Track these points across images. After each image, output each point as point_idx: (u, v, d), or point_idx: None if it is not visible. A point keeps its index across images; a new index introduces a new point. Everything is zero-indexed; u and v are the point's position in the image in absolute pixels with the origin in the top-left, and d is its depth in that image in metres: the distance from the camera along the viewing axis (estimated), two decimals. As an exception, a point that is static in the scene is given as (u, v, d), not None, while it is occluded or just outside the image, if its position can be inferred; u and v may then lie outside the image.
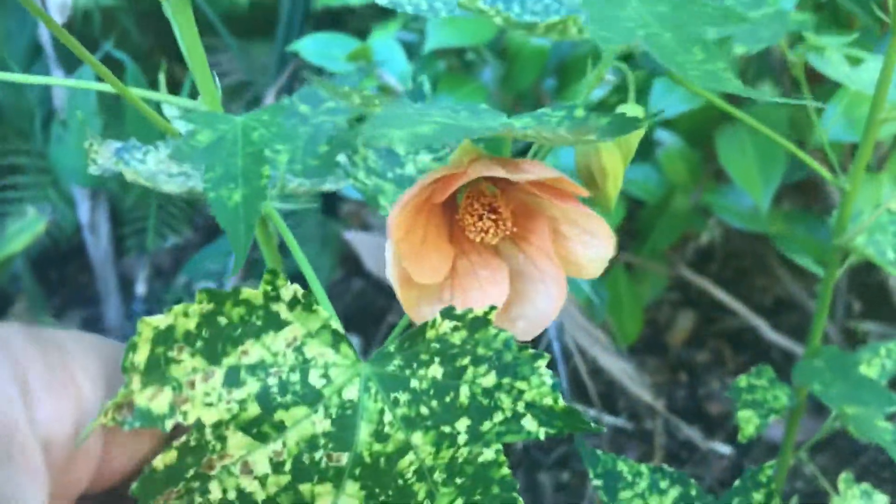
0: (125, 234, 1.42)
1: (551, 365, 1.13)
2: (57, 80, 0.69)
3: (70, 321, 1.41)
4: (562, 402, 0.35)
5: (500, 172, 0.35)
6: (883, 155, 0.99)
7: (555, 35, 0.45)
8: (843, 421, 0.64)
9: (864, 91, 0.58)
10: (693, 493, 0.60)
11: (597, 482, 0.60)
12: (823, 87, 0.89)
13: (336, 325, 0.35)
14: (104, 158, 0.47)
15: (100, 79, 0.39)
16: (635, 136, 0.44)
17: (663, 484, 0.60)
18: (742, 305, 1.24)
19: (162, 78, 0.50)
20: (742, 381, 0.65)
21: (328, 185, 0.48)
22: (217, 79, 0.42)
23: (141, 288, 1.29)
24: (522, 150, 0.46)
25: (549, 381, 0.35)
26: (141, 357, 0.33)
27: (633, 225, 1.20)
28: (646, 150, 1.09)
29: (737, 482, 0.60)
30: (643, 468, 0.59)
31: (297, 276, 0.43)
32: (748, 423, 0.62)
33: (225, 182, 0.35)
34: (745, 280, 1.37)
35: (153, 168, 0.47)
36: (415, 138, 0.31)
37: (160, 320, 0.33)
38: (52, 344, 0.32)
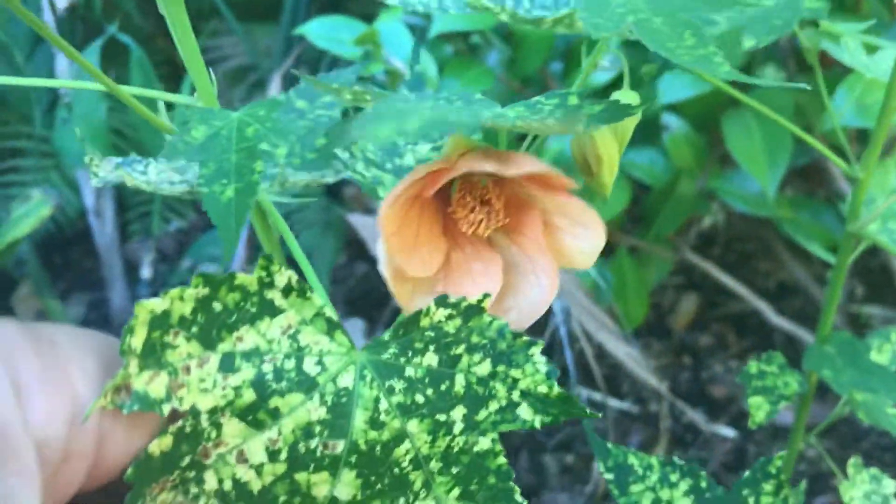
0: (129, 219, 1.42)
1: (555, 350, 1.13)
2: (54, 81, 0.68)
3: (75, 305, 1.41)
4: (557, 390, 0.35)
5: (489, 167, 0.35)
6: (889, 142, 0.98)
7: (562, 28, 0.45)
8: (852, 407, 0.64)
9: (881, 79, 0.58)
10: (703, 484, 0.60)
11: (608, 476, 0.60)
12: (829, 72, 0.88)
13: (330, 312, 0.35)
14: (105, 171, 0.47)
15: (102, 67, 0.39)
16: (631, 122, 0.43)
17: (674, 477, 0.60)
18: (745, 289, 1.23)
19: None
20: (752, 367, 0.64)
21: (327, 178, 0.48)
22: (212, 74, 0.41)
23: (146, 272, 1.29)
24: (521, 137, 0.46)
25: (543, 368, 0.35)
26: (138, 340, 0.32)
27: (639, 209, 1.20)
28: (652, 134, 1.08)
29: (747, 473, 0.60)
30: (653, 461, 0.59)
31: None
32: (759, 409, 0.62)
33: (218, 178, 0.35)
34: (748, 264, 1.37)
35: (154, 178, 0.47)
36: (400, 134, 0.30)
37: (156, 304, 0.33)
38: (47, 340, 0.32)
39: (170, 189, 0.47)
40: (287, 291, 0.34)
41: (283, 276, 0.34)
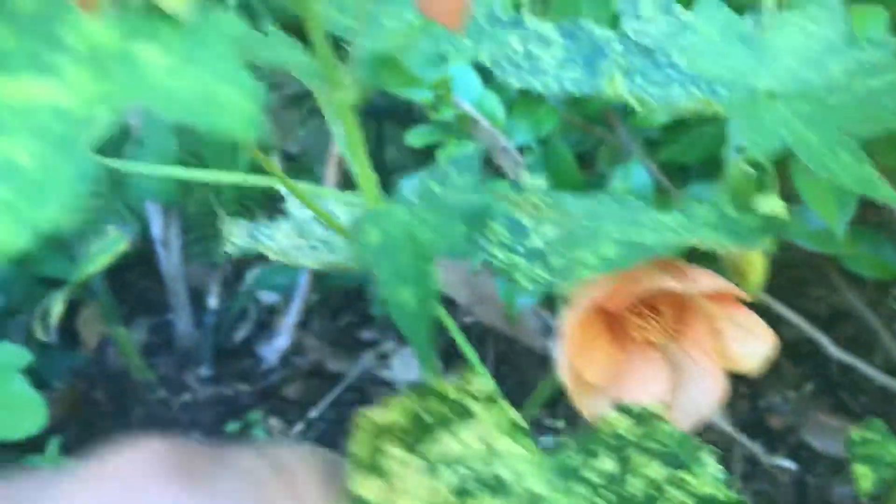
0: (189, 241, 1.45)
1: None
2: (206, 173, 0.67)
3: (137, 329, 1.44)
4: (730, 494, 0.37)
5: (672, 285, 0.37)
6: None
7: (687, 114, 0.47)
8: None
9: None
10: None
11: None
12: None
13: (517, 417, 0.38)
14: (239, 238, 0.49)
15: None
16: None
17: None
18: (800, 318, 1.24)
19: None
20: (856, 435, 0.66)
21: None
22: (270, 97, 0.43)
23: (213, 301, 1.31)
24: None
25: (715, 472, 0.37)
26: (361, 449, 0.36)
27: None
28: (717, 171, 1.10)
29: None
30: None
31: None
32: (865, 478, 0.63)
33: (396, 282, 0.37)
34: (800, 289, 1.38)
35: (284, 243, 0.49)
36: (605, 264, 0.33)
37: (378, 415, 0.36)
38: (284, 468, 0.35)
39: (300, 258, 0.49)
40: (482, 399, 0.37)
41: (479, 385, 0.37)
